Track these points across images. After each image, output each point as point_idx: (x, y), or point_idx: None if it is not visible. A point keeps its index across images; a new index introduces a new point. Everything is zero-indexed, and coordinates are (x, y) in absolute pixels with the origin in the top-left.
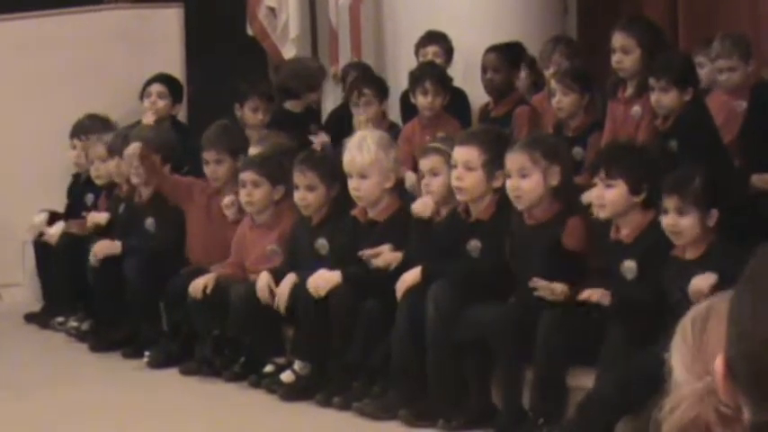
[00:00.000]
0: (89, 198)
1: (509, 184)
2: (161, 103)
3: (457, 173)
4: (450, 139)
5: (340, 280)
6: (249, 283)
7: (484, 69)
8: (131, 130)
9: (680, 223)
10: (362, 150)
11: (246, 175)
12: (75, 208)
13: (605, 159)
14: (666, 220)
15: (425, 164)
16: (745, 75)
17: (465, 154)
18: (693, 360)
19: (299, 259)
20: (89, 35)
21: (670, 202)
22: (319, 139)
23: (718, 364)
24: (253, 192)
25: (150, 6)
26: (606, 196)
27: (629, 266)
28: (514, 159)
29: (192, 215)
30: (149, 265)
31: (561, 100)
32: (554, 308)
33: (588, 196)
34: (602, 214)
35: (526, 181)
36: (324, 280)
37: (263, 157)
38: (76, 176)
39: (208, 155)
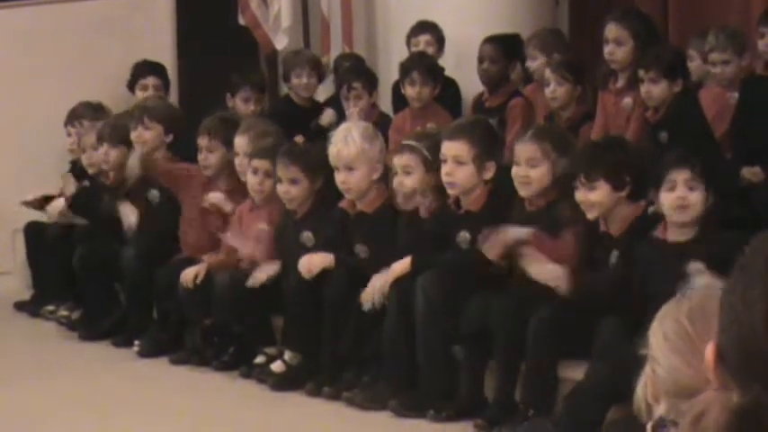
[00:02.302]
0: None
1: (516, 171)
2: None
3: (447, 168)
4: (426, 136)
5: (333, 261)
6: (238, 273)
7: (480, 60)
8: (120, 119)
9: (689, 197)
10: (348, 143)
11: (260, 164)
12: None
13: (583, 163)
14: (675, 194)
15: (398, 161)
16: (738, 68)
17: (455, 148)
18: (694, 355)
19: (285, 252)
20: (80, 25)
21: (680, 176)
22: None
23: (709, 351)
24: (264, 181)
25: None
26: (591, 198)
27: (615, 256)
28: (524, 149)
29: (187, 204)
30: (148, 253)
31: (555, 90)
32: (549, 301)
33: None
34: (591, 215)
35: (535, 171)
36: (317, 259)
37: (275, 146)
38: (74, 163)
39: (201, 140)
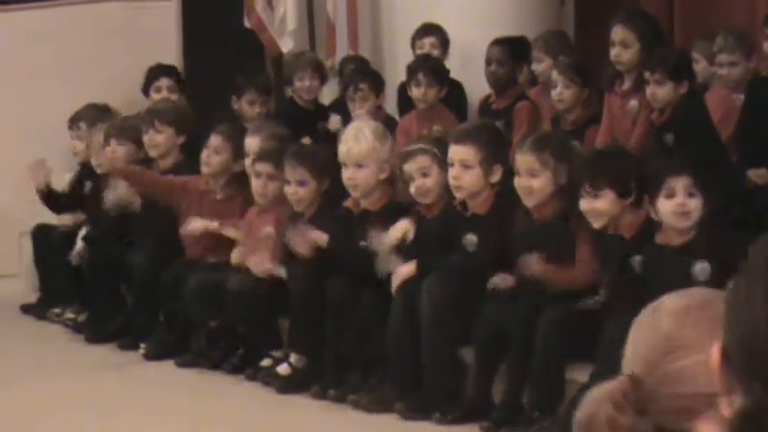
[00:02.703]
0: (87, 185)
1: (518, 182)
2: (173, 98)
3: (454, 171)
4: (429, 138)
5: (326, 239)
6: (247, 276)
7: (488, 62)
8: (128, 120)
9: (689, 204)
10: (359, 140)
11: (263, 167)
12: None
13: (588, 172)
14: (675, 201)
15: (412, 166)
16: (745, 70)
17: (462, 152)
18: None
19: (291, 254)
20: (86, 28)
21: (678, 183)
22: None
23: (714, 352)
24: (267, 184)
25: None
26: (597, 207)
27: (638, 261)
28: (524, 160)
29: (189, 210)
30: (157, 254)
31: (563, 92)
32: (556, 304)
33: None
34: (597, 224)
35: (536, 180)
36: (309, 237)
37: (278, 149)
38: (83, 165)
39: (214, 138)
